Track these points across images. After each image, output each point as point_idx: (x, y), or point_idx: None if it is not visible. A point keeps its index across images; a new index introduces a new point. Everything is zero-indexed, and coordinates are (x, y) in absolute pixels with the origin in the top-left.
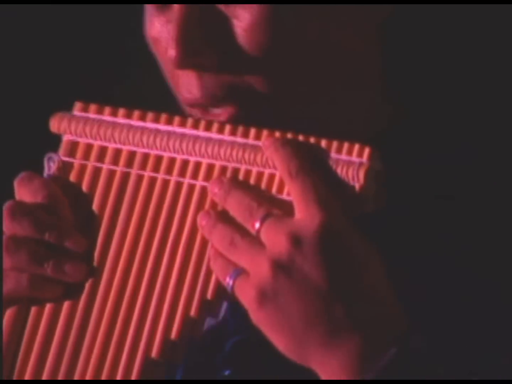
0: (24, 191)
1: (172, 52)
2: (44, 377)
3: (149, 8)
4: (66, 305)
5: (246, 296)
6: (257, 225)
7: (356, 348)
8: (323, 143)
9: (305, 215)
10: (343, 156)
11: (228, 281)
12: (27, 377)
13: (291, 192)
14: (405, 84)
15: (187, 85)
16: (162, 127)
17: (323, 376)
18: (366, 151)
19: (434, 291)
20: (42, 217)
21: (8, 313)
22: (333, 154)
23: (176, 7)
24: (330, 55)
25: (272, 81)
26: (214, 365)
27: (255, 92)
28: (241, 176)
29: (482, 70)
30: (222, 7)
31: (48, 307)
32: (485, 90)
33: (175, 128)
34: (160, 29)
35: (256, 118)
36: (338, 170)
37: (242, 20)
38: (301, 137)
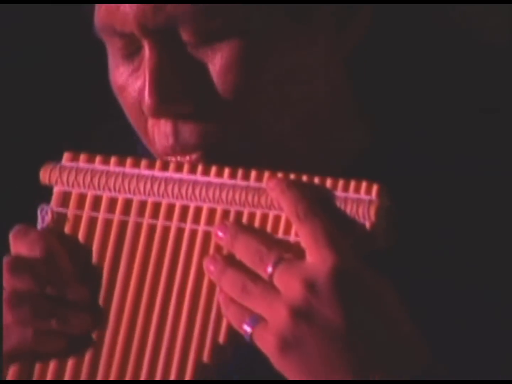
0: (21, 245)
1: (147, 100)
2: None
3: (113, 56)
4: (71, 358)
5: (267, 344)
6: (269, 270)
7: None
8: (329, 182)
9: (316, 258)
10: (351, 194)
11: (246, 329)
12: None
13: (300, 235)
14: (378, 108)
15: (162, 133)
16: (157, 173)
17: None
18: (375, 188)
19: (448, 321)
20: (42, 271)
21: (12, 371)
22: (340, 193)
23: (147, 54)
24: (303, 91)
25: (248, 122)
26: None
27: (230, 136)
28: (244, 219)
29: (450, 87)
30: (193, 51)
31: (53, 361)
32: (459, 107)
33: (172, 174)
34: (127, 77)
35: (227, 160)
36: (348, 209)
37: (215, 63)
38: (305, 177)
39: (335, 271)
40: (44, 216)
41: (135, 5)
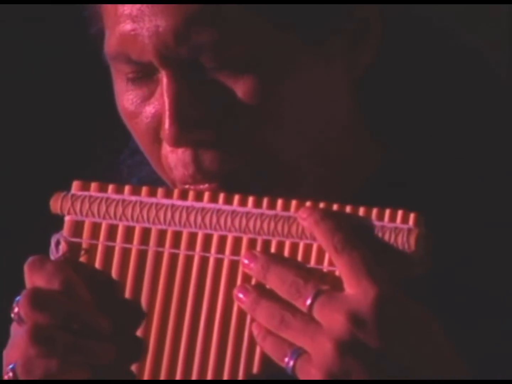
0: (37, 277)
1: (168, 130)
2: None
3: (122, 82)
4: None
5: (312, 378)
6: (308, 302)
7: None
8: (362, 211)
9: (357, 290)
10: (387, 223)
11: (288, 362)
12: None
13: (338, 266)
14: (388, 129)
15: (181, 162)
16: (177, 202)
17: None
18: (412, 216)
19: (488, 345)
20: (64, 305)
21: None
22: (376, 222)
23: (165, 83)
24: (321, 115)
25: (268, 148)
26: None
27: (250, 163)
28: (273, 249)
29: (459, 105)
30: (213, 79)
31: None
32: (470, 127)
33: (193, 203)
34: (139, 104)
35: (246, 187)
36: (386, 238)
37: (235, 90)
38: (336, 206)
39: (378, 303)
40: (58, 246)
41: (155, 35)
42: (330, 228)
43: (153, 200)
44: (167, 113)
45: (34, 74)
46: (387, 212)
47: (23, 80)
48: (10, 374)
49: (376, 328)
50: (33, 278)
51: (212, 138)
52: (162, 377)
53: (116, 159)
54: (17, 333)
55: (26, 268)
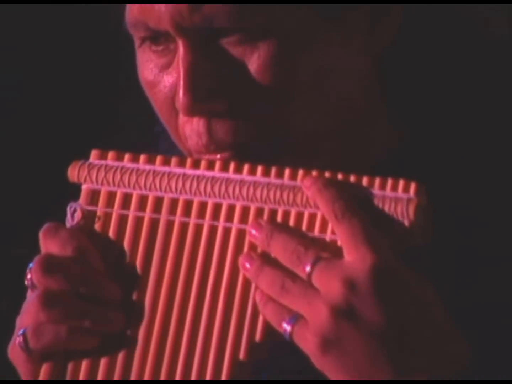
0: (51, 244)
1: (182, 99)
2: None
3: (142, 51)
4: (104, 357)
5: (308, 343)
6: (307, 269)
7: None
8: (365, 180)
9: (355, 257)
10: (388, 193)
11: (285, 327)
12: None
13: (338, 233)
14: (406, 108)
15: (195, 131)
16: (189, 171)
17: None
18: (413, 186)
19: (483, 319)
20: (75, 271)
21: (44, 370)
22: (378, 191)
23: (181, 52)
24: (336, 91)
25: (282, 121)
26: None
27: (263, 134)
28: (279, 218)
29: (477, 86)
30: (228, 50)
31: (85, 360)
32: (487, 106)
33: (204, 172)
34: (157, 73)
35: (259, 158)
36: (386, 207)
37: (251, 62)
38: (340, 175)
39: (375, 270)
40: (73, 214)
41: (171, 4)
42: (331, 196)
43: (166, 169)
44: (181, 83)
45: (71, 45)
46: (389, 181)
47: (60, 49)
48: (21, 338)
49: (372, 295)
50: (47, 244)
51: (225, 109)
52: (169, 341)
53: (151, 131)
54: (30, 299)
55: (41, 234)
